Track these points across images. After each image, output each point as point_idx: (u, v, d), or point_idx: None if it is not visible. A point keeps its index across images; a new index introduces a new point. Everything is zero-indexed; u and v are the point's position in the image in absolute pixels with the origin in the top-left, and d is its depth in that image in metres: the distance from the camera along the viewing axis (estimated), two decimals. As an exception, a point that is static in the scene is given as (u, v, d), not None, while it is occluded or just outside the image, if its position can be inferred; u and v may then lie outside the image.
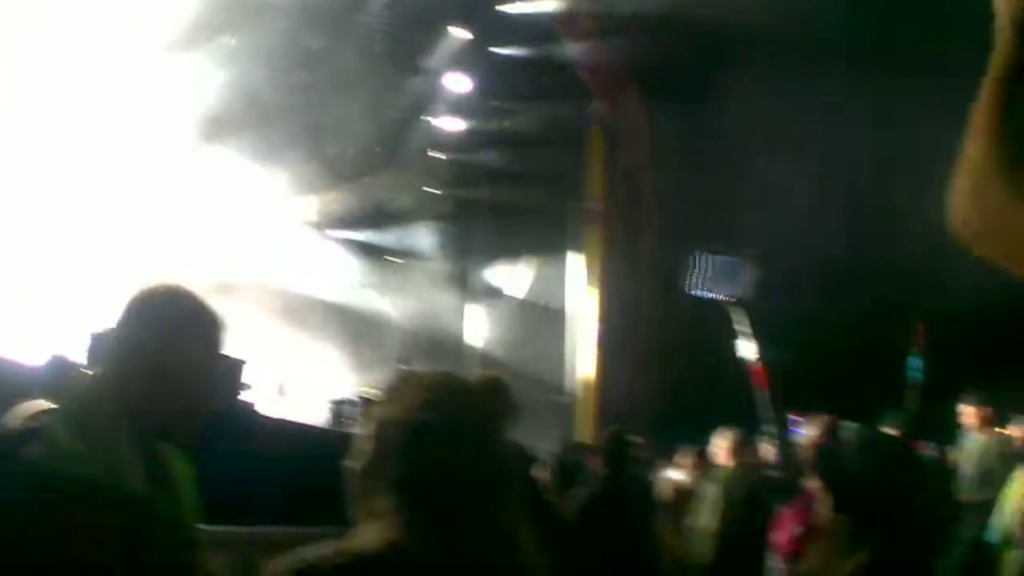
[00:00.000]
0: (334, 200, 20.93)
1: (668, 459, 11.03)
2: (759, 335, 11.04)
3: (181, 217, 16.68)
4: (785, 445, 9.57)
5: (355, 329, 20.51)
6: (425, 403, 2.15)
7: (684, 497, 9.38)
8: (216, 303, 2.70)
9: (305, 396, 15.87)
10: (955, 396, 8.35)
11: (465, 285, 23.46)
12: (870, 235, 15.22)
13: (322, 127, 18.41)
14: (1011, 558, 5.93)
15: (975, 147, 1.43)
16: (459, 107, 21.02)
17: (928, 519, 5.05)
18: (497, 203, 22.19)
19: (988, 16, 1.47)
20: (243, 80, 16.04)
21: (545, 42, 19.37)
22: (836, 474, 3.91)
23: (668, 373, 18.59)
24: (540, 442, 11.27)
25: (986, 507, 6.68)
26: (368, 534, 2.05)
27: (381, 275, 22.18)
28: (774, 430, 10.15)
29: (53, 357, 8.15)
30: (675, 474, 10.28)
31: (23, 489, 2.24)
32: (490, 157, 22.07)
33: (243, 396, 11.30)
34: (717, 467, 8.61)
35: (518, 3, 18.94)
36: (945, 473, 8.15)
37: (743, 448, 8.59)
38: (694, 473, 9.81)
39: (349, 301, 21.14)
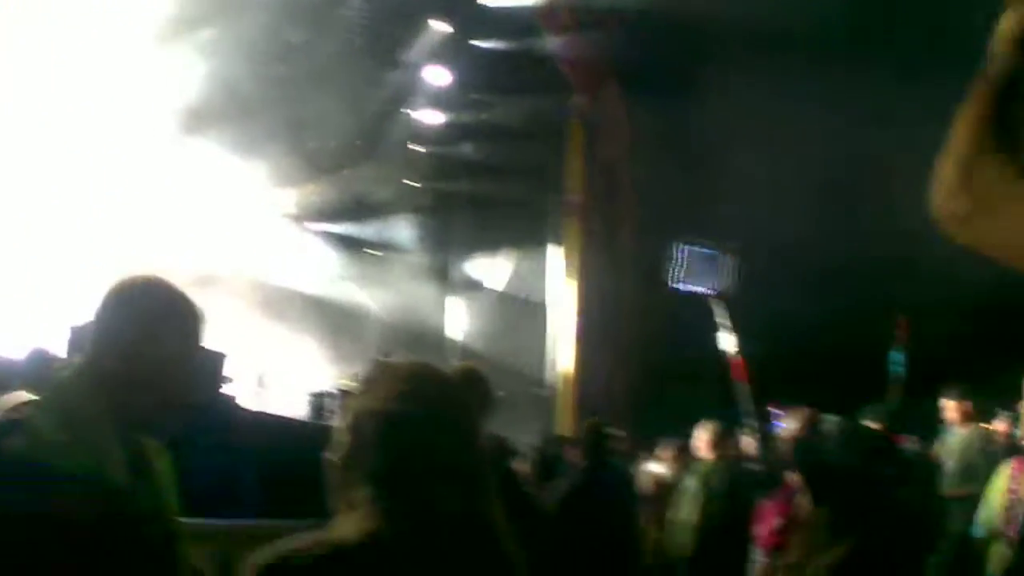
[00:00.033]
0: (314, 193, 20.92)
1: (649, 452, 11.04)
2: (739, 328, 11.09)
3: (161, 209, 16.63)
4: (766, 438, 9.61)
5: (335, 322, 20.52)
6: (401, 393, 2.15)
7: (665, 490, 9.40)
8: (195, 295, 2.68)
9: (285, 389, 15.86)
10: (937, 390, 8.35)
11: (445, 278, 23.49)
12: (851, 229, 15.25)
13: (302, 120, 18.38)
14: (996, 552, 5.94)
15: (963, 142, 1.42)
16: (439, 100, 20.99)
17: (910, 512, 5.07)
18: (477, 196, 22.19)
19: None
20: (223, 73, 15.99)
21: (525, 36, 19.37)
22: (815, 466, 3.91)
23: (648, 366, 18.64)
24: (520, 435, 11.28)
25: (970, 501, 6.69)
26: (347, 525, 2.04)
27: (361, 268, 22.19)
28: (755, 423, 10.19)
29: (34, 350, 8.10)
30: (656, 467, 10.29)
31: (5, 480, 2.23)
32: (470, 150, 22.07)
33: (224, 389, 11.27)
34: (698, 460, 8.62)
35: (498, -4, 18.95)
36: (928, 467, 8.15)
37: (724, 441, 8.58)
38: (675, 466, 9.81)
39: (329, 293, 21.15)
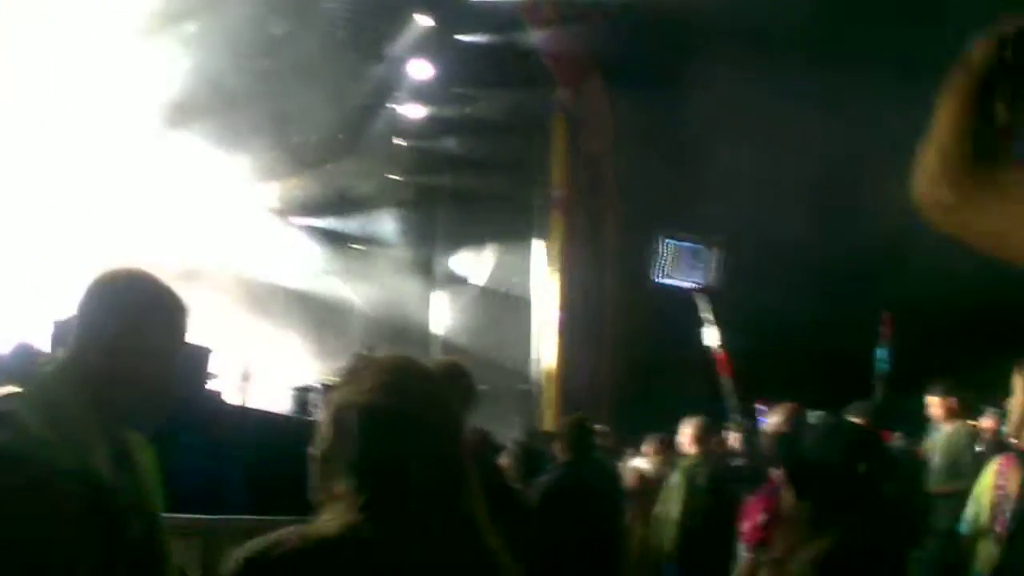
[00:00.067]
0: (297, 187, 20.88)
1: (633, 447, 11.05)
2: (724, 323, 11.09)
3: (144, 203, 16.58)
4: (750, 433, 9.63)
5: (318, 316, 20.50)
6: (382, 386, 2.15)
7: (649, 485, 9.40)
8: (179, 290, 2.67)
9: (269, 383, 15.82)
10: (922, 387, 8.37)
11: (428, 272, 23.45)
12: (836, 224, 15.27)
13: (285, 114, 18.33)
14: (983, 549, 5.95)
15: (944, 130, 1.43)
16: (422, 94, 20.92)
17: (895, 508, 5.08)
18: (460, 190, 22.21)
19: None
20: (206, 66, 15.94)
21: (508, 29, 19.33)
22: (797, 460, 3.91)
23: (632, 361, 18.66)
24: (503, 429, 11.28)
25: (956, 498, 6.70)
26: (328, 518, 2.05)
27: (344, 262, 22.17)
28: (739, 418, 10.20)
29: (18, 344, 8.09)
30: (640, 462, 10.31)
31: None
32: (453, 144, 22.04)
33: (209, 384, 11.24)
34: (682, 455, 8.63)
35: (481, -10, 18.92)
36: (914, 464, 8.16)
37: (708, 436, 8.60)
38: (659, 461, 9.82)
39: (312, 288, 21.12)
